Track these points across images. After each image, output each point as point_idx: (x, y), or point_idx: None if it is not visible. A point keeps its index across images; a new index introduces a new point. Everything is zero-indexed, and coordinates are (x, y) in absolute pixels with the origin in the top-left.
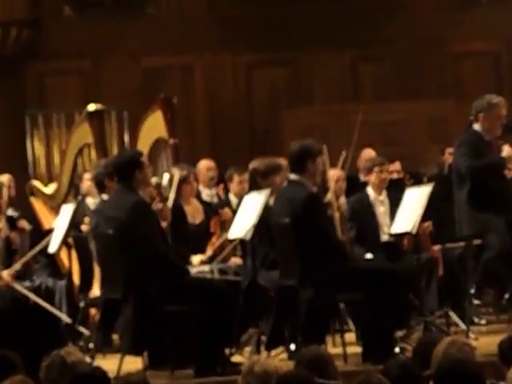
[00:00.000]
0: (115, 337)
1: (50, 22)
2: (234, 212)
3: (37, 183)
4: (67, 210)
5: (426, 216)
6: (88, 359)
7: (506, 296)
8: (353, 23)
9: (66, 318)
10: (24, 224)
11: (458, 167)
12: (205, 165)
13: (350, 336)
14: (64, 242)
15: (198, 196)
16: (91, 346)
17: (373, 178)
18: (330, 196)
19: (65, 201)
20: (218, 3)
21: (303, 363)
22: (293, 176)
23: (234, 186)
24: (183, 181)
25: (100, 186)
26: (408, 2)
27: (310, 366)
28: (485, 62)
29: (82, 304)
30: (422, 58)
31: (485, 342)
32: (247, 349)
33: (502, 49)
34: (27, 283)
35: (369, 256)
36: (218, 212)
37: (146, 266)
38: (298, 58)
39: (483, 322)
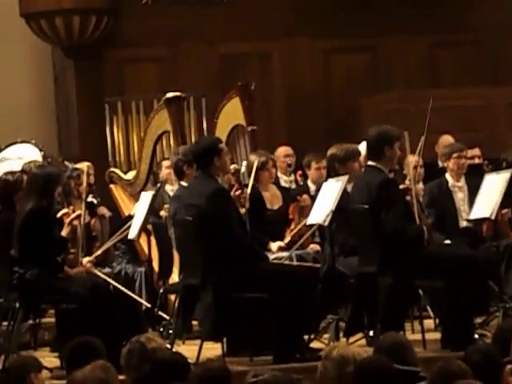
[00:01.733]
0: (194, 323)
1: (128, 10)
2: (312, 198)
3: (116, 170)
4: (146, 197)
5: (505, 202)
6: (168, 345)
7: None
8: (432, 8)
9: (145, 304)
10: (104, 211)
11: None
12: (283, 151)
13: (429, 322)
14: (143, 229)
15: (277, 182)
16: (171, 331)
17: (451, 164)
18: (408, 182)
19: (144, 188)
20: None
21: (382, 350)
22: (370, 162)
23: (311, 173)
24: (262, 167)
25: (179, 173)
26: None
27: (389, 353)
28: None
29: (161, 290)
30: (500, 44)
31: None
32: (326, 335)
33: None
34: (107, 270)
35: (447, 242)
36: (297, 198)
37: (225, 252)
38: (377, 44)
39: None
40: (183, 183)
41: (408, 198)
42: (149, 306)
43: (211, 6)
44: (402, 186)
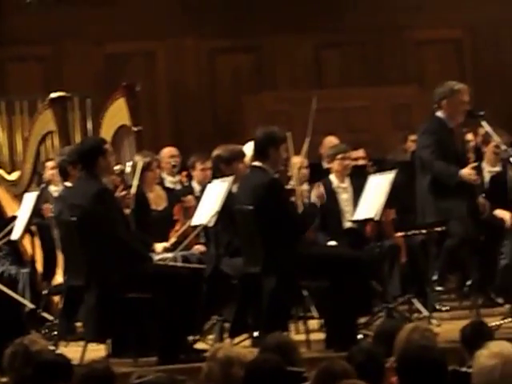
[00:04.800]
0: (79, 324)
1: (11, 8)
2: (197, 199)
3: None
4: (30, 197)
5: (389, 203)
6: (51, 347)
7: (468, 282)
8: (317, 9)
9: (29, 305)
10: None
11: (421, 155)
12: (168, 152)
13: (314, 323)
14: (27, 230)
15: (161, 183)
16: (55, 333)
17: (336, 165)
18: (293, 183)
19: (28, 188)
20: None
21: (268, 350)
22: (256, 162)
23: (196, 173)
24: (146, 168)
25: (63, 174)
26: None
27: (274, 353)
28: (447, 48)
29: (45, 291)
30: (384, 45)
31: (447, 328)
32: (210, 336)
33: (465, 35)
34: None
35: (332, 243)
36: (181, 199)
37: (109, 253)
38: (262, 44)
39: (446, 308)
40: (68, 184)
41: (293, 199)
42: (33, 307)
43: (96, 4)
44: (286, 187)
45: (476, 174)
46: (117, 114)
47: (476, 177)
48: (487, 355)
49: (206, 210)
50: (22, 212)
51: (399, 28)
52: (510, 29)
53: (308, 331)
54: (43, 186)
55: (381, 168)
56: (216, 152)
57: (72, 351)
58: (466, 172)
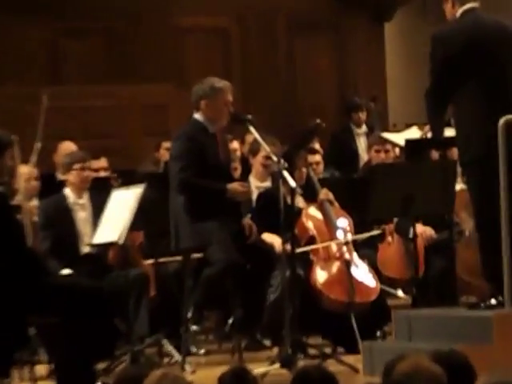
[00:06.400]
0: None
1: None
2: None
3: None
4: None
5: (136, 224)
6: None
7: (230, 321)
8: None
9: None
10: None
11: (171, 170)
12: None
13: (42, 368)
14: None
15: None
16: None
17: (72, 176)
18: (19, 198)
19: None
20: None
21: None
22: None
23: None
24: None
25: None
26: None
27: None
28: (211, 39)
29: None
30: (137, 34)
31: (203, 375)
32: None
33: (232, 25)
34: None
35: (66, 271)
36: None
37: None
38: None
39: (202, 351)
40: None
41: (20, 216)
42: None
43: None
44: (12, 203)
45: (245, 187)
46: None
47: (246, 188)
48: None
49: None
50: None
51: (154, 15)
52: (283, 17)
53: (35, 379)
54: None
55: (128, 181)
56: None
57: None
58: (234, 186)
